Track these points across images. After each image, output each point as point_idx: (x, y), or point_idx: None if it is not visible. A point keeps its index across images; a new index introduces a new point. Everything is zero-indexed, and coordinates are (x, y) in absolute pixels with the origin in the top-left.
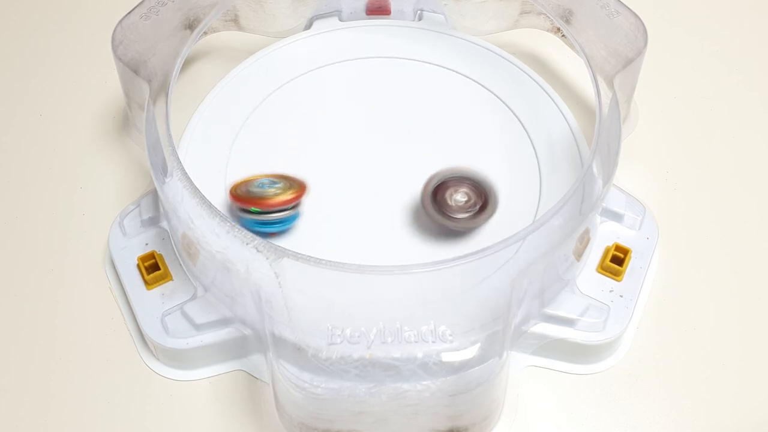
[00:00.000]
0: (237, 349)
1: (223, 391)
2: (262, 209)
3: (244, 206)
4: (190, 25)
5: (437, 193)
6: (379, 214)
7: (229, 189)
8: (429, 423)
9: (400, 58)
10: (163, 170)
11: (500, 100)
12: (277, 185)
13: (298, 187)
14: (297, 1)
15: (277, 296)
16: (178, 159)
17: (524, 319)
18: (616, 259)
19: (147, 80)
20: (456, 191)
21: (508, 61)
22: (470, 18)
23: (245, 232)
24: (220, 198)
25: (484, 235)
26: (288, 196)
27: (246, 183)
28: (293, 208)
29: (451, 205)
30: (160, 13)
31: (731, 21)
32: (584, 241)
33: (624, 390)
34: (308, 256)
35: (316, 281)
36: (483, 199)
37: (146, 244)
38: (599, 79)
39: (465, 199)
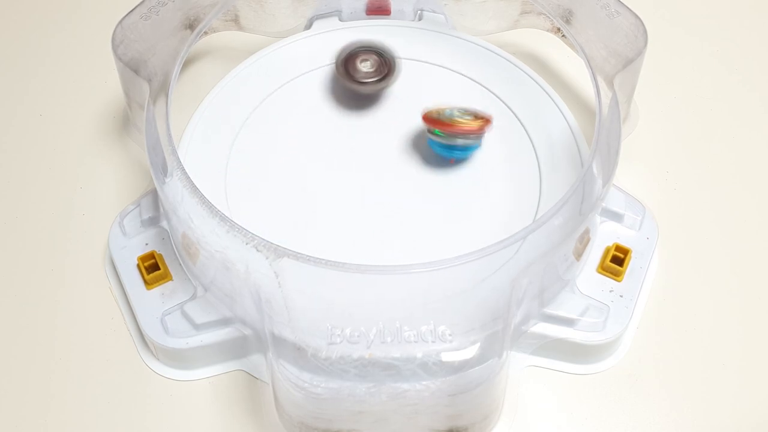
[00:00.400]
0: (237, 349)
1: (223, 391)
2: (446, 132)
3: (431, 127)
4: (191, 25)
5: (348, 62)
6: (380, 214)
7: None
8: (429, 423)
9: (400, 58)
10: (163, 170)
11: (500, 100)
12: (466, 117)
13: (483, 120)
14: (297, 1)
15: (276, 296)
16: (178, 159)
17: (524, 319)
18: (617, 260)
19: (147, 80)
20: (364, 60)
21: (508, 61)
22: (470, 18)
23: (245, 231)
24: (220, 198)
25: (484, 235)
26: (472, 125)
27: (438, 110)
28: (476, 138)
29: (361, 70)
30: (161, 13)
31: (731, 21)
32: (584, 241)
33: (624, 390)
34: (308, 255)
35: (315, 281)
36: (387, 67)
37: (146, 244)
38: (599, 79)
39: (372, 68)
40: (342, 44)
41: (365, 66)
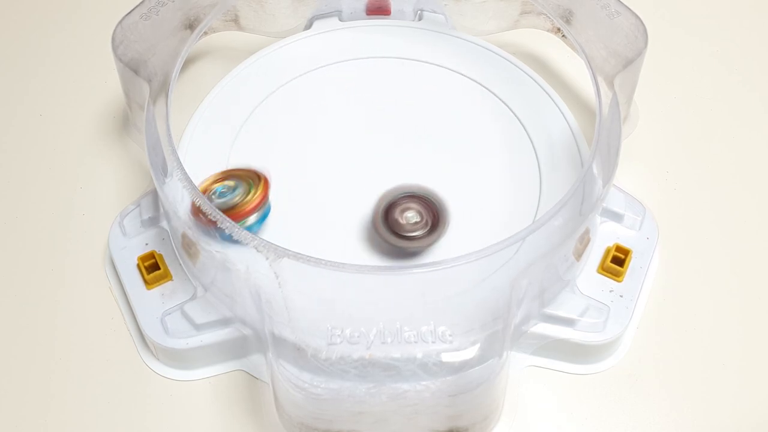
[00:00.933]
0: (237, 349)
1: (223, 391)
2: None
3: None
4: (190, 25)
5: (388, 213)
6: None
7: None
8: (429, 423)
9: (400, 58)
10: (163, 170)
11: (500, 100)
12: (237, 190)
13: (261, 185)
14: (297, 1)
15: (276, 296)
16: (178, 159)
17: (524, 320)
18: (617, 260)
19: (147, 80)
20: (406, 209)
21: (508, 61)
22: (470, 18)
23: (245, 231)
24: None
25: (484, 235)
26: (256, 199)
27: (205, 192)
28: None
29: (403, 224)
30: (160, 13)
31: (731, 21)
32: (584, 241)
33: (624, 390)
34: (308, 256)
35: (315, 281)
36: (434, 216)
37: (146, 243)
38: (599, 79)
39: (416, 218)
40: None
41: (409, 217)
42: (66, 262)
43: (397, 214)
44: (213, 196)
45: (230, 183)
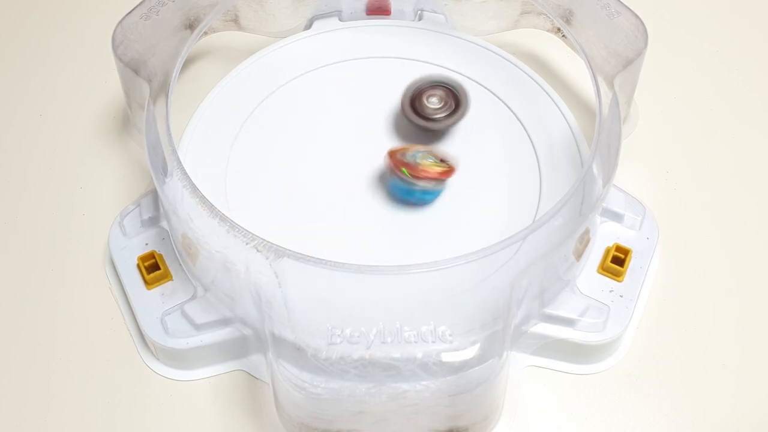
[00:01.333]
0: (237, 349)
1: (223, 391)
2: (409, 175)
3: (396, 167)
4: (190, 25)
5: (414, 99)
6: (380, 214)
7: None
8: (429, 423)
9: (400, 58)
10: (163, 170)
11: (500, 100)
12: (429, 159)
13: (447, 167)
14: (297, 1)
15: (276, 296)
16: (178, 159)
17: (524, 319)
18: (617, 260)
19: (147, 80)
20: (431, 95)
21: (508, 61)
22: (470, 18)
23: (245, 231)
24: (220, 198)
25: (484, 235)
26: (435, 170)
27: (403, 150)
28: (436, 184)
29: (428, 107)
30: (160, 13)
31: (731, 21)
32: (584, 241)
33: (624, 390)
34: (308, 255)
35: (316, 281)
36: (455, 101)
37: (146, 243)
38: (599, 79)
39: (440, 103)
40: (408, 82)
41: (433, 102)
42: (66, 262)
43: (423, 100)
44: (408, 154)
45: (430, 154)
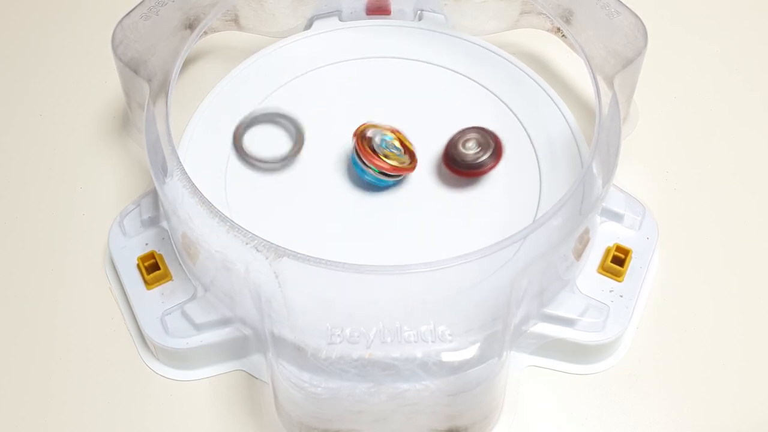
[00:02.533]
0: (237, 349)
1: (223, 391)
2: (377, 168)
3: (359, 151)
4: (190, 25)
5: (449, 150)
6: (380, 214)
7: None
8: (428, 422)
9: (400, 58)
10: (163, 170)
11: (500, 100)
12: (393, 150)
13: (409, 164)
14: (297, 1)
15: (276, 296)
16: (178, 159)
17: (524, 319)
18: (617, 260)
19: (147, 80)
20: (466, 141)
21: (508, 61)
22: (470, 18)
23: (245, 231)
24: (220, 198)
25: (484, 235)
26: (392, 164)
27: (375, 129)
28: (394, 176)
29: (466, 154)
30: (160, 13)
31: (731, 21)
32: (584, 240)
33: (624, 390)
34: (308, 255)
35: (315, 281)
36: (492, 142)
37: (146, 243)
38: (599, 79)
39: (476, 148)
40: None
41: (471, 148)
42: (66, 262)
43: (460, 147)
44: (377, 140)
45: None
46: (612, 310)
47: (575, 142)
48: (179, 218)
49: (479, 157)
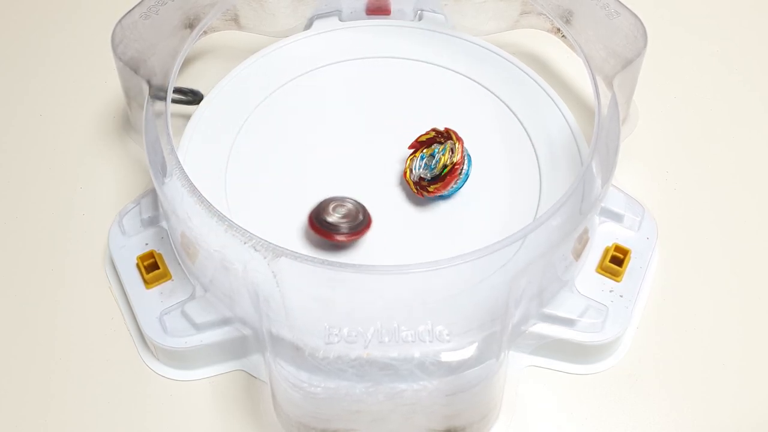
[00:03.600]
0: (236, 348)
1: (223, 391)
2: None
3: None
4: (190, 25)
5: (318, 215)
6: (379, 214)
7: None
8: (426, 422)
9: (400, 58)
10: (162, 170)
11: (500, 100)
12: (440, 154)
13: (454, 138)
14: (297, 0)
15: (274, 295)
16: (178, 159)
17: (523, 319)
18: (616, 260)
19: (147, 79)
20: (336, 208)
21: (508, 61)
22: (470, 18)
23: (243, 231)
24: (220, 198)
25: (484, 235)
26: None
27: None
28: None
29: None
30: (160, 13)
31: (731, 21)
32: (583, 241)
33: (624, 390)
34: (306, 255)
35: (313, 280)
36: (362, 213)
37: (146, 243)
38: (598, 79)
39: (345, 213)
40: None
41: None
42: (66, 262)
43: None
44: (421, 170)
45: (426, 151)
46: (611, 310)
47: (575, 142)
48: (178, 218)
49: (340, 223)
